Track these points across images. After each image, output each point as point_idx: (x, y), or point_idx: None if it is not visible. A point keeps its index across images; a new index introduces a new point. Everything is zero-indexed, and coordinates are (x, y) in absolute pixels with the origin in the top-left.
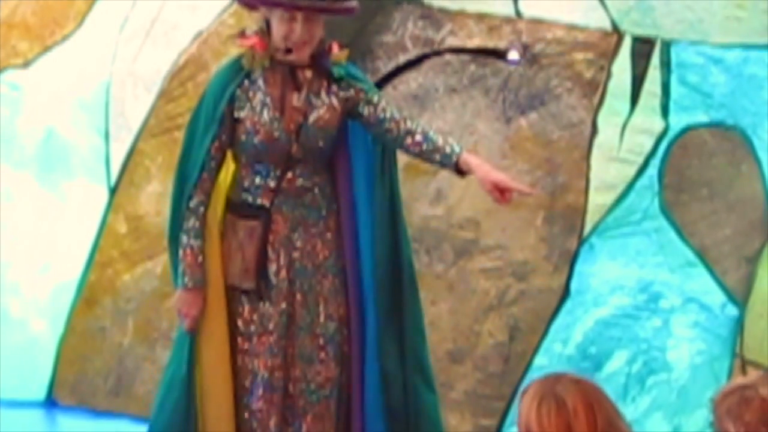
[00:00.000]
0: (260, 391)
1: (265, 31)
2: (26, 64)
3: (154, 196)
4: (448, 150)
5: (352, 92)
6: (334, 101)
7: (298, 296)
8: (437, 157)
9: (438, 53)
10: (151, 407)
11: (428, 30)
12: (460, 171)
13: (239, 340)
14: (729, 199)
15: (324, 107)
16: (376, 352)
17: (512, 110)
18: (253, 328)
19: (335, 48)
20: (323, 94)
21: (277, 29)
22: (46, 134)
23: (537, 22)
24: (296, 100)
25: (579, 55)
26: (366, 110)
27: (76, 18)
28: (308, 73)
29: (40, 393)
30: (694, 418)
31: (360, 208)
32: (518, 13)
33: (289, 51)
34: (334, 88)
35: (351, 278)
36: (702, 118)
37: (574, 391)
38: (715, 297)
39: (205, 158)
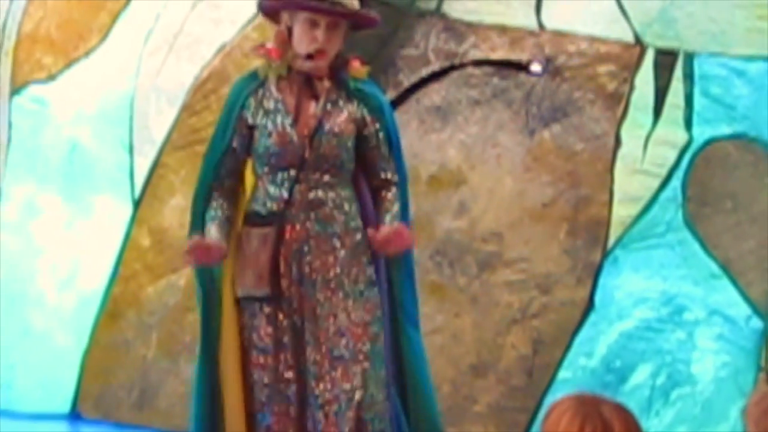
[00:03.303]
0: (275, 407)
1: (286, 38)
2: (51, 78)
3: (178, 210)
4: (387, 216)
5: (369, 118)
6: (353, 112)
7: (307, 311)
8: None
9: (461, 66)
10: (175, 420)
11: (451, 43)
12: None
13: (254, 354)
14: (753, 211)
15: (342, 116)
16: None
17: (535, 122)
18: (268, 341)
19: (355, 63)
20: (341, 103)
21: (299, 36)
22: (71, 148)
23: (559, 34)
24: (313, 108)
25: (602, 68)
26: (368, 147)
27: (100, 32)
28: (326, 84)
29: (64, 406)
30: (719, 431)
31: None
32: (541, 26)
33: (309, 57)
34: (354, 100)
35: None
36: (725, 130)
37: (619, 419)
38: (740, 309)
39: (218, 163)
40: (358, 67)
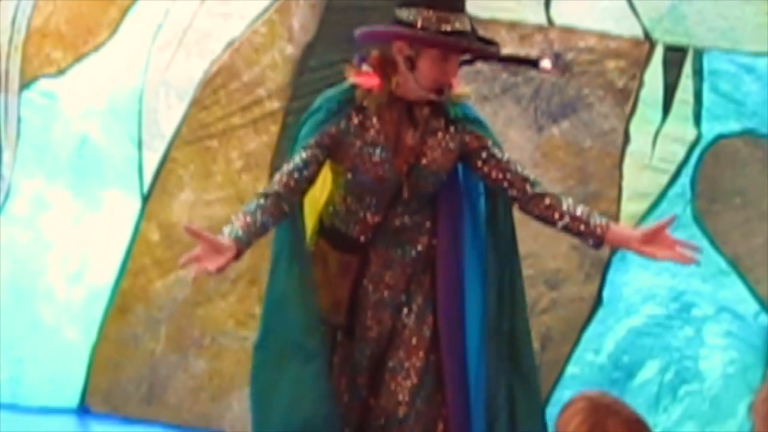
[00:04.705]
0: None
1: (387, 66)
2: (60, 73)
3: (187, 204)
4: (592, 223)
5: (468, 138)
6: (450, 143)
7: (375, 331)
8: (581, 228)
9: (470, 62)
10: (183, 414)
11: None
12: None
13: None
14: (762, 207)
15: (439, 149)
16: (485, 395)
17: (544, 119)
18: (338, 361)
19: (457, 85)
20: (440, 135)
21: (428, 70)
22: (80, 142)
23: (569, 30)
24: (411, 137)
25: (611, 64)
26: (488, 166)
27: (109, 26)
28: (426, 111)
29: (72, 400)
30: (727, 428)
31: (467, 247)
32: (550, 22)
33: (440, 92)
34: (452, 128)
35: (446, 319)
36: (734, 126)
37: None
38: (748, 306)
39: (297, 161)
40: (459, 91)
